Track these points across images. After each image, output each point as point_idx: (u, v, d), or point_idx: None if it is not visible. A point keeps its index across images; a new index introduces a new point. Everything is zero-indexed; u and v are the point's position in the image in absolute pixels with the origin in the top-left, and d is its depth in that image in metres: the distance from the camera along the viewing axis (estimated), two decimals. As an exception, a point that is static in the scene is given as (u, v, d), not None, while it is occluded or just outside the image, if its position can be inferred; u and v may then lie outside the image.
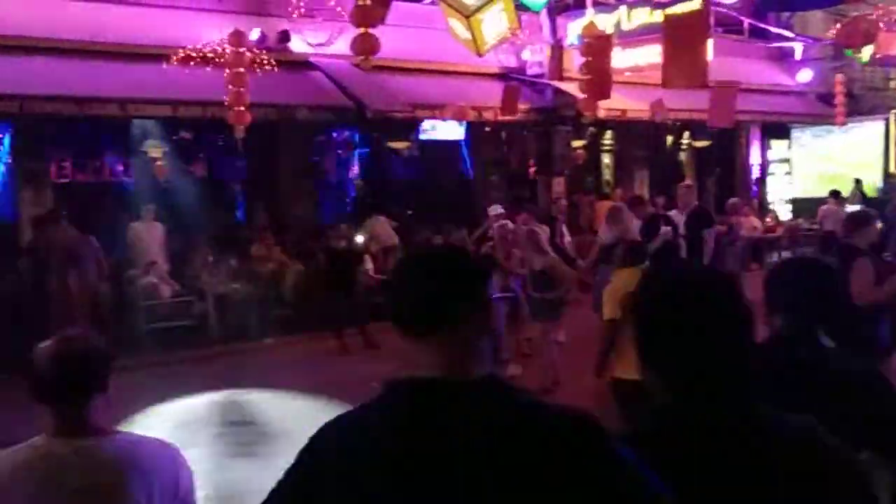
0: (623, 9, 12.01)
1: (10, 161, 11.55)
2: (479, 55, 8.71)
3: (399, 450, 1.17)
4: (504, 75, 12.65)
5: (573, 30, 12.73)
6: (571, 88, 11.99)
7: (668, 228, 6.65)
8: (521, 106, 12.07)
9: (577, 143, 13.54)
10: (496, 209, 9.44)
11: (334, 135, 14.99)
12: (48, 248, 8.89)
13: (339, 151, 16.04)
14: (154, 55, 9.56)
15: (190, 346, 9.07)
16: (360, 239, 10.51)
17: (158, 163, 11.37)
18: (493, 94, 12.18)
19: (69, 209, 10.02)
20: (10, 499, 1.71)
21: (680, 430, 1.31)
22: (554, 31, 12.76)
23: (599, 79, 8.99)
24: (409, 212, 12.94)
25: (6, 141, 11.04)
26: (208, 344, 9.39)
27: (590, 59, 9.06)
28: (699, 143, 16.58)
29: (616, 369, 4.40)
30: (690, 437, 1.29)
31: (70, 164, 14.05)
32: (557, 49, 12.60)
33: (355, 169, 16.07)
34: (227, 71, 8.21)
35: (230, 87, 8.04)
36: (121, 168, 14.08)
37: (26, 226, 9.94)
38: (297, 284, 10.26)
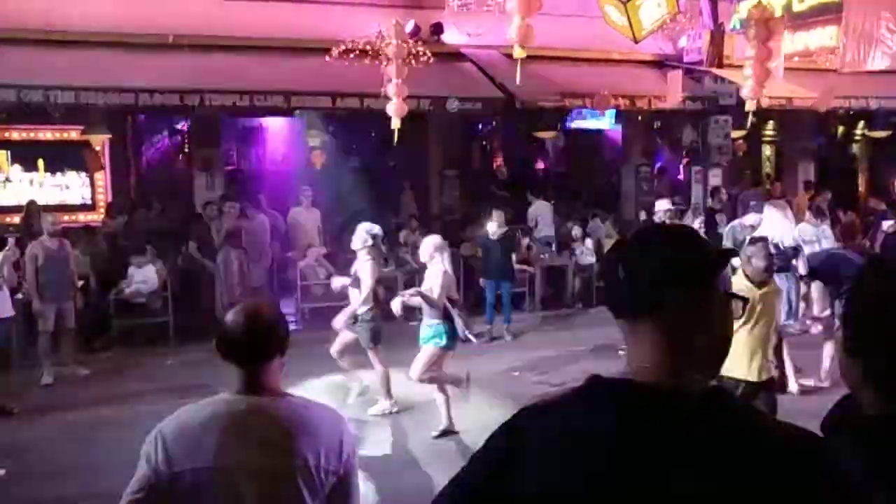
0: (795, -12, 11.16)
1: (187, 150, 12.64)
2: (635, 42, 8.42)
3: (608, 465, 1.10)
4: (659, 62, 12.19)
5: (736, 13, 12.01)
6: (732, 75, 11.34)
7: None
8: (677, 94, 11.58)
9: (736, 134, 12.82)
10: (664, 205, 8.97)
11: (480, 125, 15.13)
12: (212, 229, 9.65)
13: (485, 142, 16.19)
14: (316, 49, 10.05)
15: (341, 326, 9.50)
16: (492, 227, 10.31)
17: (316, 151, 11.97)
18: (646, 81, 11.78)
19: (234, 195, 10.80)
20: (200, 445, 1.90)
21: None
22: (714, 15, 12.10)
23: (766, 65, 8.42)
24: (552, 202, 12.82)
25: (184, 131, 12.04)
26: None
27: (757, 43, 8.50)
28: (876, 134, 15.17)
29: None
30: None
31: (235, 152, 15.15)
32: (718, 34, 11.95)
33: (500, 159, 16.16)
34: (386, 63, 8.46)
35: (391, 78, 8.28)
36: (281, 156, 15.01)
37: (198, 209, 10.82)
38: (443, 271, 10.44)
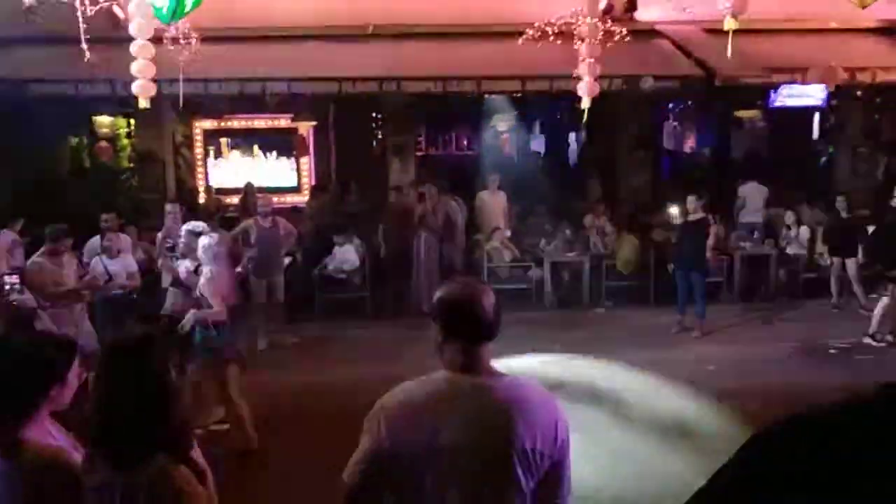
0: None
1: (381, 136, 13.27)
2: (863, 7, 7.56)
3: None
4: (888, 29, 10.85)
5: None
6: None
7: None
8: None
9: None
10: None
11: (671, 105, 14.42)
12: (404, 212, 10.06)
13: (677, 122, 15.42)
14: (508, 33, 10.07)
15: (525, 308, 9.52)
16: (681, 212, 9.66)
17: (504, 136, 12.05)
18: (869, 51, 10.54)
19: (424, 179, 11.15)
20: (421, 422, 1.94)
21: None
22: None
23: None
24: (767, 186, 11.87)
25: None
26: (541, 308, 9.79)
27: None
28: None
29: None
30: None
31: (425, 138, 15.65)
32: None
33: (692, 141, 15.33)
34: (579, 43, 8.29)
35: (584, 58, 8.11)
36: (467, 141, 15.31)
37: (392, 192, 11.33)
38: (632, 257, 10.12)
